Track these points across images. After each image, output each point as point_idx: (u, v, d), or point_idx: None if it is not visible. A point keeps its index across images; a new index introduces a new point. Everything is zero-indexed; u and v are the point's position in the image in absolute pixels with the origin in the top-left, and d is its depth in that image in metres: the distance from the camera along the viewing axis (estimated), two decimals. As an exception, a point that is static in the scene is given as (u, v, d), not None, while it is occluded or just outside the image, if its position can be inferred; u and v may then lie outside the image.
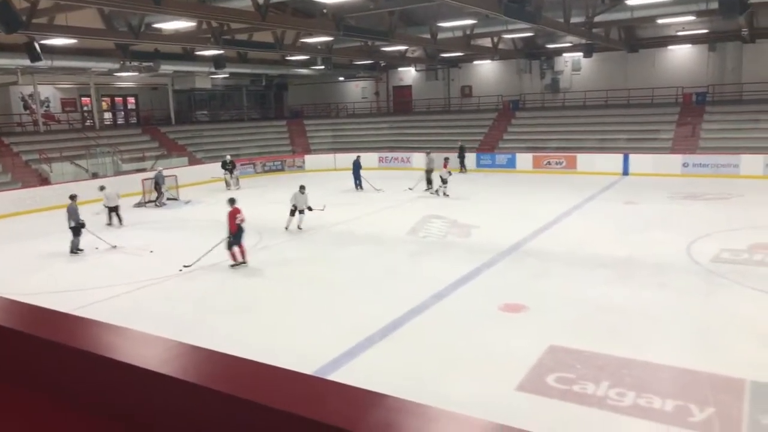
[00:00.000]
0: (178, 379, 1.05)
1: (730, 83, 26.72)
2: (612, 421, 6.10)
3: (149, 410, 1.16)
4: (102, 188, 17.38)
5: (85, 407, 1.26)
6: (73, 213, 13.98)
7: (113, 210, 17.21)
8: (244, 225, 12.45)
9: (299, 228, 15.81)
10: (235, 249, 12.43)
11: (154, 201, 21.16)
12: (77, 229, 14.02)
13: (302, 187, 16.00)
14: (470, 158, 28.36)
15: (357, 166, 23.44)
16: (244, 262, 12.52)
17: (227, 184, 24.65)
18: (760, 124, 24.36)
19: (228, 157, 25.22)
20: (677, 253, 12.21)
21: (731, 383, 6.65)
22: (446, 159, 21.87)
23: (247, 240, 15.01)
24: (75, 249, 14.05)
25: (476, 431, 0.97)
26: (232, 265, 12.41)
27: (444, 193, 20.47)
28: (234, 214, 12.35)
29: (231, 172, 24.84)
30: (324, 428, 0.95)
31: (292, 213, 15.81)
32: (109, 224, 16.94)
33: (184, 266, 12.31)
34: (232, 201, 12.70)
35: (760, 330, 8.26)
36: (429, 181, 22.01)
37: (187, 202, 21.40)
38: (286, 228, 15.80)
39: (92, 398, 1.25)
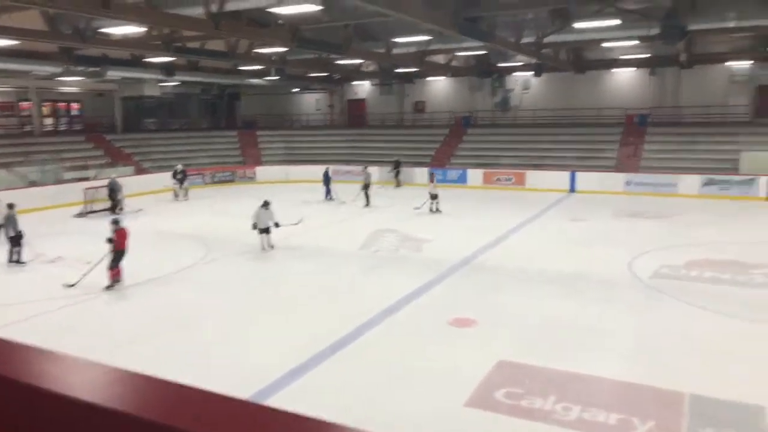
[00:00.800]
0: (112, 409, 0.99)
1: (670, 106, 28.01)
2: (558, 435, 6.19)
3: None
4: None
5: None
6: (12, 222, 13.34)
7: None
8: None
9: (270, 247, 14.61)
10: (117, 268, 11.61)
11: (108, 209, 20.39)
12: (16, 238, 13.39)
13: (266, 203, 14.63)
14: (421, 173, 28.62)
15: (327, 177, 23.84)
16: (119, 281, 11.69)
17: (175, 195, 24.05)
18: (697, 146, 25.60)
19: (179, 167, 24.61)
20: (620, 269, 12.61)
21: (671, 397, 6.87)
22: (432, 174, 21.81)
23: (194, 252, 14.71)
24: (14, 260, 13.40)
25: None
26: (109, 287, 11.44)
27: (437, 209, 19.96)
28: (125, 233, 11.64)
29: (181, 182, 24.23)
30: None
31: (260, 231, 14.50)
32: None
33: (68, 285, 11.45)
34: (118, 221, 11.88)
35: (697, 344, 8.60)
36: (367, 196, 22.03)
37: (138, 211, 20.79)
38: (263, 249, 14.58)
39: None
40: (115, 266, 11.49)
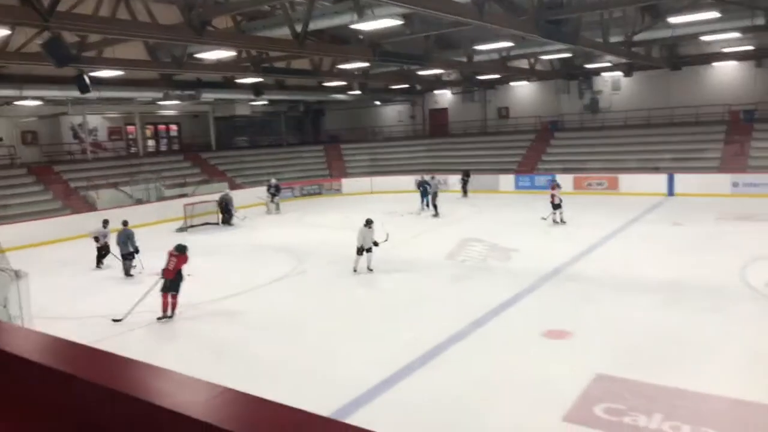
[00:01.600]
0: (223, 429, 1.00)
1: (779, 100, 25.81)
2: (667, 456, 5.79)
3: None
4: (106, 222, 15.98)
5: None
6: (130, 238, 14.36)
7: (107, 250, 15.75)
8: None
9: (369, 270, 13.69)
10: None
11: (221, 222, 22.13)
12: (132, 254, 14.39)
13: (369, 222, 13.76)
14: (508, 180, 28.07)
15: (425, 186, 23.14)
16: (165, 314, 10.89)
17: (268, 208, 24.95)
18: (812, 141, 23.40)
19: (273, 181, 25.49)
20: (729, 276, 11.70)
21: (795, 417, 6.26)
22: (553, 181, 19.67)
23: (286, 264, 15.14)
24: (129, 273, 14.43)
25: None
26: (160, 317, 10.80)
27: (562, 220, 18.51)
28: (182, 261, 10.89)
29: (274, 196, 25.09)
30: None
31: (359, 252, 13.68)
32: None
33: (114, 320, 10.65)
34: (183, 249, 11.05)
35: (823, 359, 7.79)
36: (435, 206, 21.73)
37: (244, 218, 22.40)
38: (354, 270, 13.70)
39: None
40: (167, 291, 10.77)
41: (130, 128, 32.27)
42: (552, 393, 7.18)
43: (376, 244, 13.76)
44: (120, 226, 14.77)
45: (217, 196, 22.91)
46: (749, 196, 21.78)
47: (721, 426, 6.18)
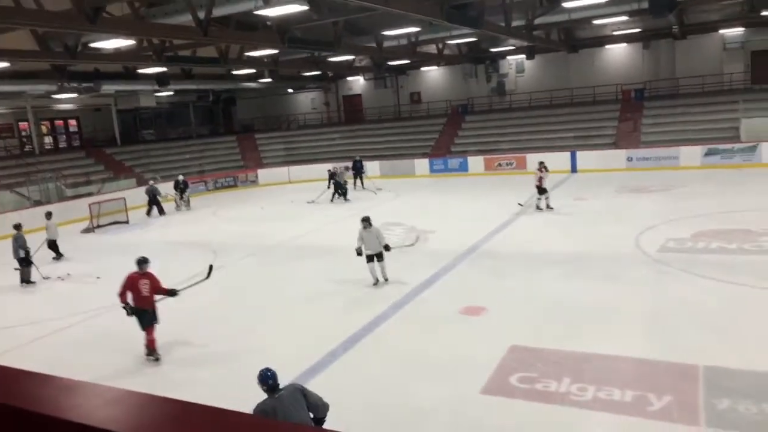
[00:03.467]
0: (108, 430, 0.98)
1: (666, 78, 27.80)
2: (575, 415, 6.20)
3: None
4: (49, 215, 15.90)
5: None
6: (21, 243, 13.41)
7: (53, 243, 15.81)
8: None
9: (385, 280, 11.35)
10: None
11: (147, 214, 22.11)
12: (27, 260, 13.44)
13: (367, 220, 11.13)
14: (423, 164, 28.56)
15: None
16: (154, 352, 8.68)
17: (177, 206, 24.02)
18: (696, 117, 25.43)
19: (180, 177, 24.52)
20: (627, 245, 12.57)
21: (686, 370, 6.86)
22: (541, 164, 17.03)
23: (202, 260, 14.68)
24: (26, 280, 13.50)
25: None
26: (150, 356, 8.65)
27: (547, 206, 17.00)
28: (143, 280, 8.62)
29: (182, 192, 24.14)
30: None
31: (369, 259, 11.27)
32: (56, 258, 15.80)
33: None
34: (145, 261, 8.75)
35: (707, 315, 8.57)
36: (334, 194, 22.32)
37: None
38: (375, 283, 11.31)
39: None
40: (151, 324, 8.63)
41: (23, 125, 30.01)
42: (470, 367, 7.47)
43: (387, 248, 11.27)
44: (12, 231, 13.74)
45: (143, 189, 22.63)
46: (642, 169, 23.43)
47: (624, 384, 6.67)
